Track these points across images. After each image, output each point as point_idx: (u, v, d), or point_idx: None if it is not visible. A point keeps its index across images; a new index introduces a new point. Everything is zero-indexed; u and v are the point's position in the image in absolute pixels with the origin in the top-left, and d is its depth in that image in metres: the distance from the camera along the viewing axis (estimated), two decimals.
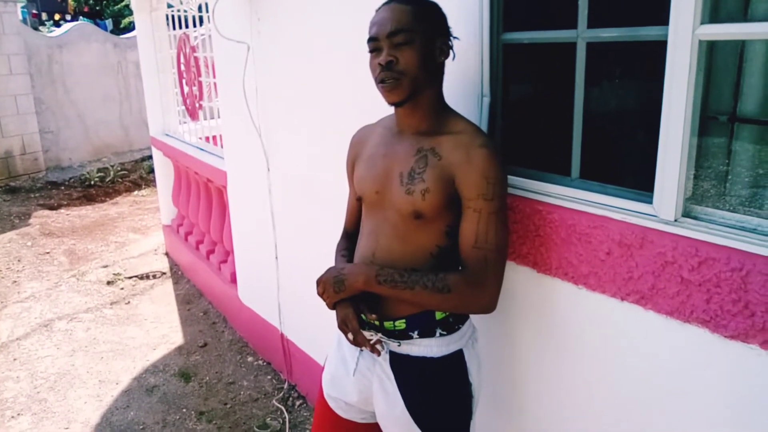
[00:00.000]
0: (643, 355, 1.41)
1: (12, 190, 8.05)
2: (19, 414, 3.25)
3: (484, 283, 1.41)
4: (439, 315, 1.51)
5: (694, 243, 1.27)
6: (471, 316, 1.63)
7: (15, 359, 3.84)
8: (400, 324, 1.52)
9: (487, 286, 1.42)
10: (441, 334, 1.52)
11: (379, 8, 1.48)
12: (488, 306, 1.44)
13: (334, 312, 1.59)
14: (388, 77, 1.43)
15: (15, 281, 5.12)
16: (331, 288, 1.54)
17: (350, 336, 1.55)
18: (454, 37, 1.53)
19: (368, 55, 1.49)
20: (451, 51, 1.52)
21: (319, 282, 1.59)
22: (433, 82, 1.50)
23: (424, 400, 1.53)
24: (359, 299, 1.55)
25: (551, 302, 1.62)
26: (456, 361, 1.54)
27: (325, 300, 1.58)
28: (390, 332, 1.55)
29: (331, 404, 1.73)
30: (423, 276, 1.42)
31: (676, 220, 1.31)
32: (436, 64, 1.48)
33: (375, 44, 1.46)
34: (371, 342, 1.54)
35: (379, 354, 1.56)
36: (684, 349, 1.33)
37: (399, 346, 1.54)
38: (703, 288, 1.26)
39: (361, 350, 1.62)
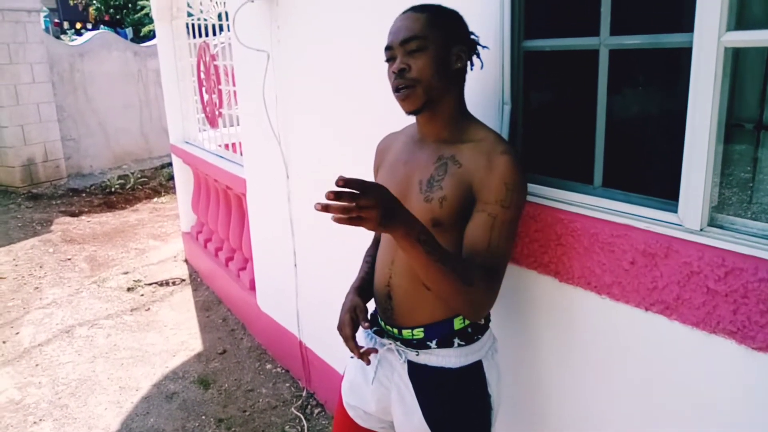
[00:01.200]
0: (668, 366, 1.39)
1: (34, 196, 8.16)
2: (41, 420, 3.28)
3: (494, 288, 1.40)
4: (457, 325, 1.50)
5: (721, 253, 1.25)
6: (491, 326, 1.62)
7: (37, 365, 3.88)
8: (418, 333, 1.52)
9: (494, 292, 1.40)
10: (459, 345, 1.51)
11: (397, 18, 1.49)
12: (487, 311, 1.43)
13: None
14: (401, 85, 1.43)
15: (37, 287, 5.17)
16: (380, 212, 1.15)
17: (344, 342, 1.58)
18: (484, 47, 1.53)
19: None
20: (476, 59, 1.52)
21: (363, 188, 1.14)
22: (451, 90, 1.49)
23: (443, 411, 1.52)
24: (361, 307, 1.60)
25: (573, 312, 1.60)
26: (475, 372, 1.52)
27: (352, 219, 1.14)
28: (408, 341, 1.54)
29: (350, 413, 1.72)
30: (455, 259, 1.33)
31: (701, 230, 1.29)
32: (451, 71, 1.47)
33: (390, 53, 1.47)
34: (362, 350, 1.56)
35: (369, 363, 1.56)
36: (710, 360, 1.30)
37: (417, 355, 1.53)
38: (730, 298, 1.24)
39: (379, 360, 1.61)
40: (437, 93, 1.45)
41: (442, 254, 1.27)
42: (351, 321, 1.58)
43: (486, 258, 1.37)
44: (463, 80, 1.53)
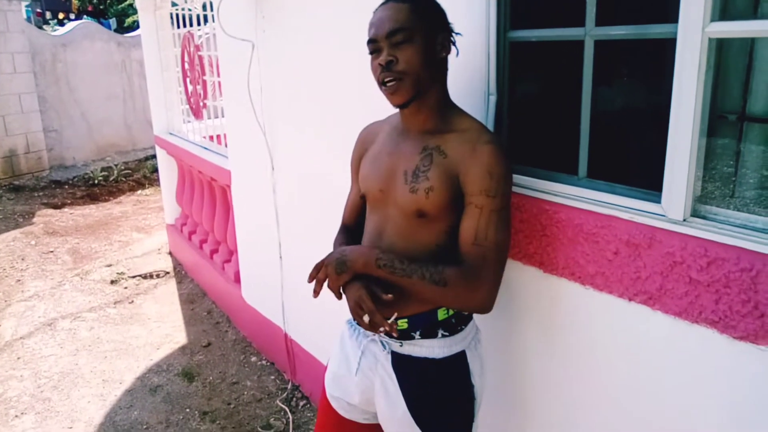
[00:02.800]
0: (651, 356, 1.40)
1: (16, 188, 8.06)
2: (22, 413, 3.25)
3: (480, 281, 1.39)
4: (441, 315, 1.50)
5: (703, 243, 1.26)
6: (474, 316, 1.62)
7: (19, 358, 3.84)
8: (402, 324, 1.51)
9: (484, 284, 1.39)
10: (443, 335, 1.51)
11: (377, 9, 1.47)
12: (484, 305, 1.41)
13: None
14: (389, 78, 1.42)
15: (19, 280, 5.12)
16: (333, 269, 1.48)
17: (366, 318, 1.43)
18: (457, 33, 1.51)
19: None
20: (453, 46, 1.50)
21: (318, 266, 1.51)
22: (437, 80, 1.49)
23: (426, 402, 1.52)
24: (371, 281, 1.46)
25: (558, 302, 1.61)
26: (458, 362, 1.53)
27: (329, 286, 1.51)
28: None
29: (334, 404, 1.71)
30: (422, 266, 1.38)
31: (684, 220, 1.29)
32: (437, 60, 1.46)
33: (374, 45, 1.45)
34: (389, 321, 1.43)
35: (397, 336, 1.50)
36: (692, 350, 1.31)
37: (401, 346, 1.53)
38: (712, 288, 1.25)
39: (363, 351, 1.60)
40: (425, 84, 1.44)
41: (406, 268, 1.39)
42: (369, 294, 1.44)
43: (473, 251, 1.38)
44: (447, 69, 1.52)
